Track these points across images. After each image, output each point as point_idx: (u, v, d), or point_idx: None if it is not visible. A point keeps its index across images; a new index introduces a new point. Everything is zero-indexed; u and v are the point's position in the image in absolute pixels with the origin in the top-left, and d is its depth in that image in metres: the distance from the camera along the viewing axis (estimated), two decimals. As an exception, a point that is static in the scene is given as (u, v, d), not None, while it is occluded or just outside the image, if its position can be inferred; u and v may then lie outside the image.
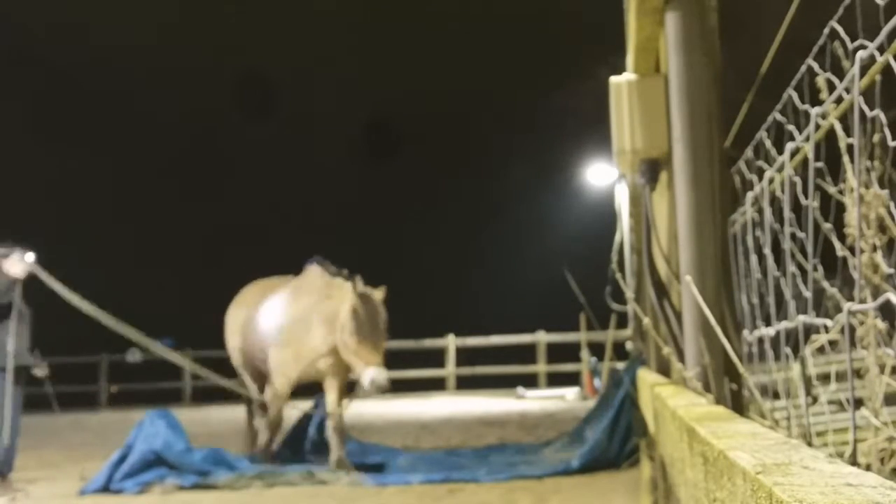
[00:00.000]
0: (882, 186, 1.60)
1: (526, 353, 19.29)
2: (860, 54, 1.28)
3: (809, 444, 1.38)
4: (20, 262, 7.09)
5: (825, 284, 1.65)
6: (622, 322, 13.47)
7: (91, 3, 32.00)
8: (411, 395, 18.44)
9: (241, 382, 8.04)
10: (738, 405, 2.44)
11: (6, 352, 6.79)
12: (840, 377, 1.64)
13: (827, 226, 1.59)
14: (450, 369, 19.33)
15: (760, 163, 2.35)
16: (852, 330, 1.52)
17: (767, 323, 2.14)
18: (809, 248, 1.60)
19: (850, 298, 1.30)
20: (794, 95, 1.85)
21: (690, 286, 2.42)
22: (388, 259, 35.63)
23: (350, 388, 7.49)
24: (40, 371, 7.20)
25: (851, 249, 1.50)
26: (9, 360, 6.77)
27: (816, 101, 1.71)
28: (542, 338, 19.20)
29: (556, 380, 18.60)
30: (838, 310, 1.41)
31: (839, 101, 1.62)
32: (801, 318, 1.61)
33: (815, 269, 1.60)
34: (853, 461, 1.20)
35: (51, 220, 33.19)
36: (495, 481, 6.29)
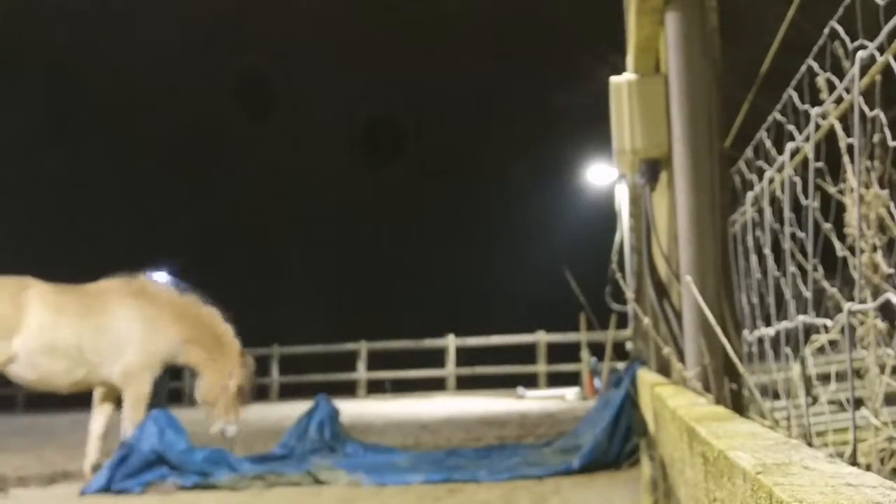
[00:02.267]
0: (882, 186, 1.60)
1: (526, 353, 19.31)
2: (860, 54, 1.28)
3: (809, 444, 1.38)
4: None
5: (825, 284, 1.65)
6: (622, 322, 13.49)
7: (91, 3, 32.03)
8: (411, 395, 18.45)
9: None
10: (738, 405, 2.44)
11: None
12: (840, 377, 1.65)
13: (827, 226, 1.59)
14: (450, 369, 19.34)
15: (760, 163, 2.35)
16: (852, 330, 1.52)
17: (767, 323, 2.14)
18: (809, 248, 1.60)
19: (850, 298, 1.30)
20: (794, 95, 1.85)
21: (690, 286, 2.42)
22: (388, 259, 35.65)
23: None
24: None
25: (851, 249, 1.50)
26: None
27: (816, 101, 1.71)
28: (542, 338, 19.21)
29: (556, 380, 18.62)
30: (838, 310, 1.41)
31: (839, 101, 1.62)
32: (801, 318, 1.61)
33: (815, 269, 1.60)
34: (853, 461, 1.20)
35: (48, 219, 33.22)
36: (495, 481, 6.28)
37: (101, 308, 6.88)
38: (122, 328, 6.89)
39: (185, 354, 7.22)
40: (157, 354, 7.07)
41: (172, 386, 19.36)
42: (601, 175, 16.97)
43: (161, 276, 8.37)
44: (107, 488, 6.47)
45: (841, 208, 1.69)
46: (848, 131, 1.49)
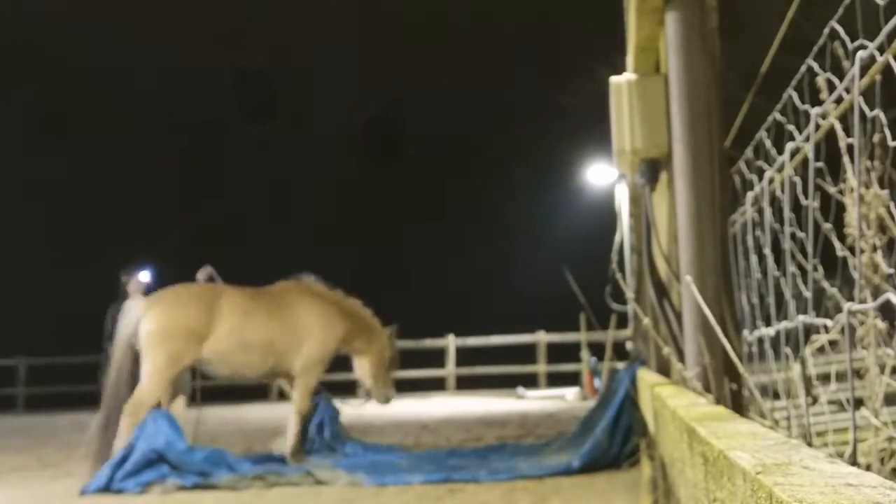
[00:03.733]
0: (882, 186, 1.60)
1: (526, 353, 19.29)
2: (860, 54, 1.28)
3: (809, 444, 1.38)
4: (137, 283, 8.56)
5: (825, 284, 1.65)
6: (622, 322, 13.47)
7: (91, 2, 32.03)
8: (411, 395, 18.44)
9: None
10: (738, 405, 2.44)
11: None
12: (840, 377, 1.65)
13: (827, 226, 1.59)
14: (450, 369, 19.33)
15: (760, 163, 2.35)
16: (852, 330, 1.52)
17: (767, 323, 2.14)
18: (809, 248, 1.60)
19: (850, 298, 1.30)
20: (794, 95, 1.85)
21: (690, 286, 2.42)
22: (388, 259, 35.66)
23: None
24: None
25: (851, 249, 1.50)
26: None
27: (816, 101, 1.71)
28: (542, 338, 19.20)
29: (556, 380, 18.60)
30: (838, 310, 1.41)
31: (839, 101, 1.62)
32: (801, 318, 1.61)
33: (815, 269, 1.60)
34: (853, 461, 1.20)
35: (49, 219, 33.21)
36: (495, 481, 6.28)
37: (283, 306, 7.75)
38: (302, 324, 7.72)
39: (347, 344, 8.12)
40: (330, 348, 7.93)
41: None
42: (601, 175, 16.96)
43: (145, 276, 8.83)
44: (107, 488, 6.47)
45: (841, 208, 1.69)
46: (848, 131, 1.49)
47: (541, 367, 19.04)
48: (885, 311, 1.35)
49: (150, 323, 7.16)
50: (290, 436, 7.56)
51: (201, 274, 8.37)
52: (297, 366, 7.72)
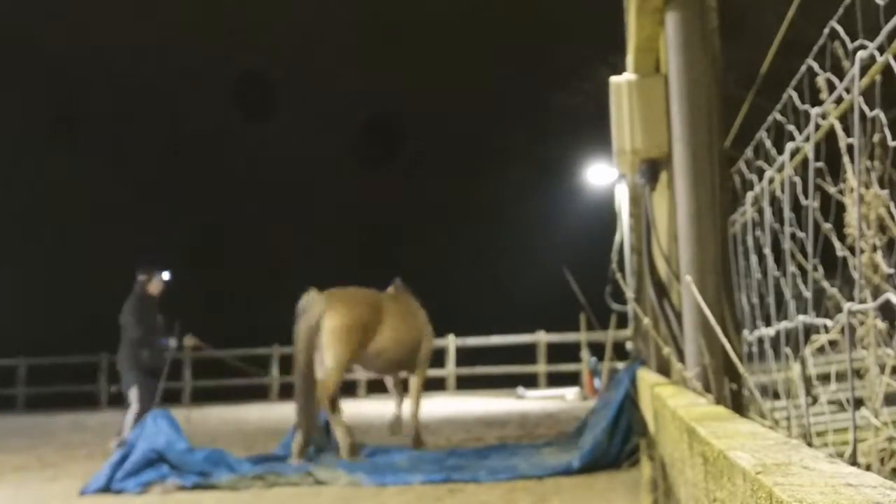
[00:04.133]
0: (882, 186, 1.60)
1: (526, 353, 19.28)
2: (860, 54, 1.28)
3: (809, 444, 1.38)
4: (159, 282, 8.95)
5: (825, 284, 1.65)
6: (622, 322, 13.47)
7: (91, 2, 32.03)
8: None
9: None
10: (738, 405, 2.44)
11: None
12: (840, 377, 1.65)
13: (827, 226, 1.59)
14: (450, 369, 19.33)
15: (760, 163, 2.35)
16: (852, 330, 1.52)
17: (767, 323, 2.14)
18: (809, 248, 1.60)
19: (850, 298, 1.30)
20: (794, 95, 1.85)
21: (690, 286, 2.42)
22: (388, 259, 35.66)
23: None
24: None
25: (851, 249, 1.50)
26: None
27: (816, 101, 1.71)
28: (542, 338, 19.20)
29: (556, 380, 18.60)
30: (838, 310, 1.41)
31: (839, 101, 1.62)
32: (801, 318, 1.61)
33: (815, 269, 1.60)
34: (853, 461, 1.20)
35: (49, 220, 33.21)
36: (495, 481, 6.28)
37: (410, 311, 8.72)
38: (419, 328, 8.68)
39: None
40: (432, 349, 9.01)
41: (173, 386, 19.37)
42: (601, 175, 16.96)
43: (166, 275, 9.08)
44: (107, 488, 6.47)
45: (841, 208, 1.69)
46: (848, 131, 1.49)
47: (541, 367, 19.04)
48: (885, 311, 1.35)
49: (336, 319, 7.84)
50: (413, 424, 8.58)
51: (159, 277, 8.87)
52: (416, 363, 8.70)
